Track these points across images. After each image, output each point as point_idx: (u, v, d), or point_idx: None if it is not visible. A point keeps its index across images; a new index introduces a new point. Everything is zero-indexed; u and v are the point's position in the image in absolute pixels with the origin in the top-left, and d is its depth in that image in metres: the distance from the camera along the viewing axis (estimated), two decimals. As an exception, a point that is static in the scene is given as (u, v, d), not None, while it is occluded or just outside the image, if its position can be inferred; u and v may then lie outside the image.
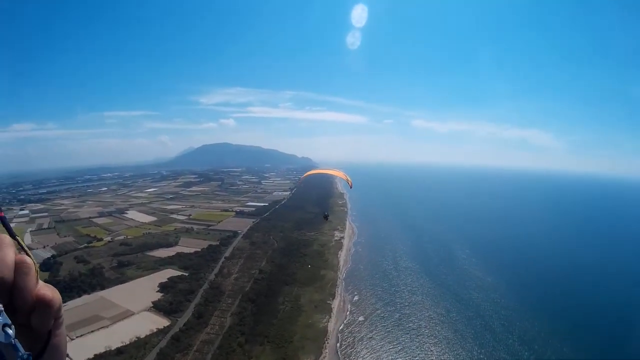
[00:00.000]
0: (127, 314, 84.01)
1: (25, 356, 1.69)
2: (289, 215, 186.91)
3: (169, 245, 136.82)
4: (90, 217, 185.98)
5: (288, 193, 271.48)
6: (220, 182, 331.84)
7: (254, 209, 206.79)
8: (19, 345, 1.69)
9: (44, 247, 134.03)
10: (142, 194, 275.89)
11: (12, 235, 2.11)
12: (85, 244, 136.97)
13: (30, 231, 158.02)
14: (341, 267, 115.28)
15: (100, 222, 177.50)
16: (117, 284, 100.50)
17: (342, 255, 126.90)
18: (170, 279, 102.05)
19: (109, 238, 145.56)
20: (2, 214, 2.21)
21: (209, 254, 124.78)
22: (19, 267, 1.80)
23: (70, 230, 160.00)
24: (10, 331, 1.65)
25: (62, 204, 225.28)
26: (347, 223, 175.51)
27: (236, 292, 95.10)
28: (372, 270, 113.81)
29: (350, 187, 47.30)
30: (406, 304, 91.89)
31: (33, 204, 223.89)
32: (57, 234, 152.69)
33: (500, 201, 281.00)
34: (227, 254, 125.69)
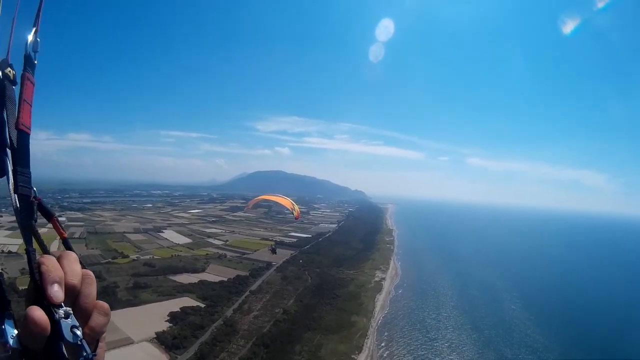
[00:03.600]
0: (126, 342, 79.45)
1: (90, 356, 1.84)
2: (330, 249, 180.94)
3: (195, 270, 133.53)
4: (124, 232, 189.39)
5: (335, 226, 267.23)
6: (267, 210, 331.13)
7: (295, 240, 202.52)
8: (85, 345, 1.84)
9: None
10: (185, 214, 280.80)
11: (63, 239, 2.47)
12: (110, 260, 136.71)
13: (60, 239, 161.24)
14: (376, 313, 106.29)
15: (133, 238, 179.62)
16: (126, 307, 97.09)
17: (380, 299, 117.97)
18: (183, 309, 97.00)
19: (135, 256, 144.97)
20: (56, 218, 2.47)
21: (235, 285, 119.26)
22: (85, 277, 2.13)
23: (100, 243, 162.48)
24: (78, 332, 1.82)
25: (102, 216, 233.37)
26: (392, 262, 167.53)
27: (252, 333, 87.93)
28: (411, 318, 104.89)
29: (296, 219, 42.27)
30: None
31: (73, 212, 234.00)
32: (85, 246, 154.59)
33: (555, 247, 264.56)
34: (253, 287, 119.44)
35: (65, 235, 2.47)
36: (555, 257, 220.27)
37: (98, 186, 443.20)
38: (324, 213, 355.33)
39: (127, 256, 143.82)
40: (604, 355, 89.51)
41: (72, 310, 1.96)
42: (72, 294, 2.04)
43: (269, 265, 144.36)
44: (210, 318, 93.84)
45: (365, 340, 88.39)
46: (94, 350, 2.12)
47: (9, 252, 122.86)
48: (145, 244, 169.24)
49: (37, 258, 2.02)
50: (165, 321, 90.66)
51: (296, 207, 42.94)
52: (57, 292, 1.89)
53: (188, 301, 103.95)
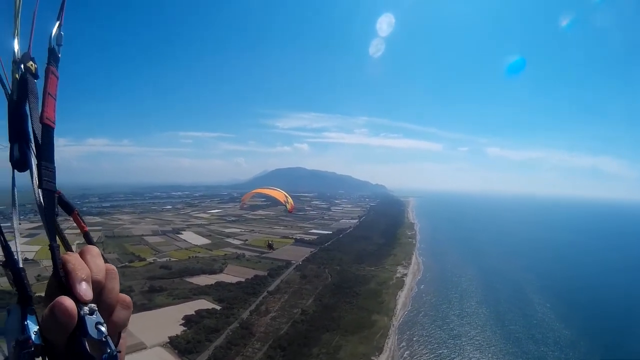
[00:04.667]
0: (138, 347, 78.63)
1: (114, 352, 1.87)
2: (351, 246, 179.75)
3: (213, 272, 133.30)
4: (142, 235, 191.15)
5: (356, 221, 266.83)
6: (286, 207, 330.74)
7: (315, 237, 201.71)
8: (110, 342, 1.87)
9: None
10: (205, 215, 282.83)
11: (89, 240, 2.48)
12: (126, 263, 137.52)
13: (77, 244, 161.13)
14: (398, 311, 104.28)
15: (151, 240, 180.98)
16: (141, 311, 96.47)
17: (402, 296, 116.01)
18: (198, 312, 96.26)
19: (152, 259, 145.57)
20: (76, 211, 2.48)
21: (252, 285, 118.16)
22: (108, 272, 2.19)
23: (117, 247, 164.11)
24: (103, 328, 1.86)
25: (120, 219, 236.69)
26: (414, 257, 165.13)
27: (268, 335, 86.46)
28: (434, 315, 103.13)
29: (290, 212, 40.55)
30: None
31: (91, 217, 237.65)
32: (103, 250, 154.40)
33: (578, 235, 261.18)
34: (272, 287, 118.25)
35: (87, 229, 2.53)
36: (578, 247, 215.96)
37: (118, 190, 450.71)
38: (345, 208, 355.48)
39: (144, 259, 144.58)
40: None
41: (96, 305, 2.01)
42: (97, 289, 2.09)
43: (288, 264, 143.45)
44: (226, 320, 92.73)
45: (386, 341, 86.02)
46: (116, 343, 2.13)
47: (25, 259, 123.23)
48: (163, 246, 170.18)
49: (61, 255, 2.04)
50: (180, 325, 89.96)
51: (290, 199, 41.07)
52: (85, 290, 1.95)
53: (204, 303, 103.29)
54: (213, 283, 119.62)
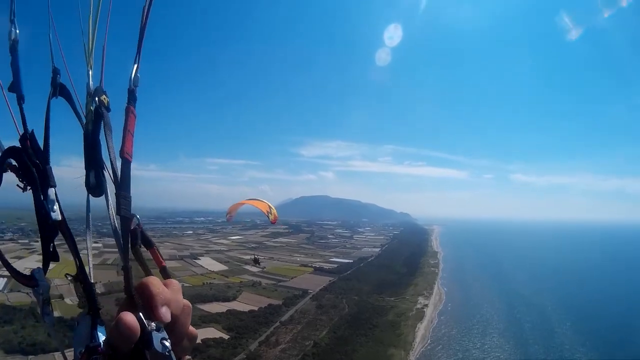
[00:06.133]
0: (139, 377, 75.66)
1: None
2: (371, 275, 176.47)
3: (226, 299, 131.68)
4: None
5: (378, 250, 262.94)
6: (309, 235, 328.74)
7: (336, 265, 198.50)
8: (173, 356, 1.99)
9: (96, 283, 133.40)
10: (225, 241, 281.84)
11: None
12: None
13: (93, 265, 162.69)
14: (416, 345, 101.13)
15: (167, 265, 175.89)
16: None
17: (421, 328, 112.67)
18: (205, 341, 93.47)
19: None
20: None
21: (265, 314, 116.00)
22: (185, 308, 2.32)
23: (132, 270, 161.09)
24: (167, 343, 1.98)
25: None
26: (436, 287, 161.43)
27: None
28: (453, 349, 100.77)
29: (273, 223, 41.02)
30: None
31: (109, 239, 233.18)
32: (117, 272, 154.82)
33: (606, 261, 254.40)
34: (285, 317, 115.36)
35: (165, 264, 2.68)
36: (613, 277, 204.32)
37: (140, 213, 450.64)
38: (368, 237, 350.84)
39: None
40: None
41: (168, 335, 2.10)
42: (172, 321, 2.20)
43: (305, 293, 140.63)
44: (233, 351, 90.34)
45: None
46: None
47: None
48: (179, 272, 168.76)
49: (143, 279, 2.25)
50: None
51: (273, 210, 38.91)
52: (165, 313, 2.09)
53: (212, 332, 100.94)
54: (224, 311, 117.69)
